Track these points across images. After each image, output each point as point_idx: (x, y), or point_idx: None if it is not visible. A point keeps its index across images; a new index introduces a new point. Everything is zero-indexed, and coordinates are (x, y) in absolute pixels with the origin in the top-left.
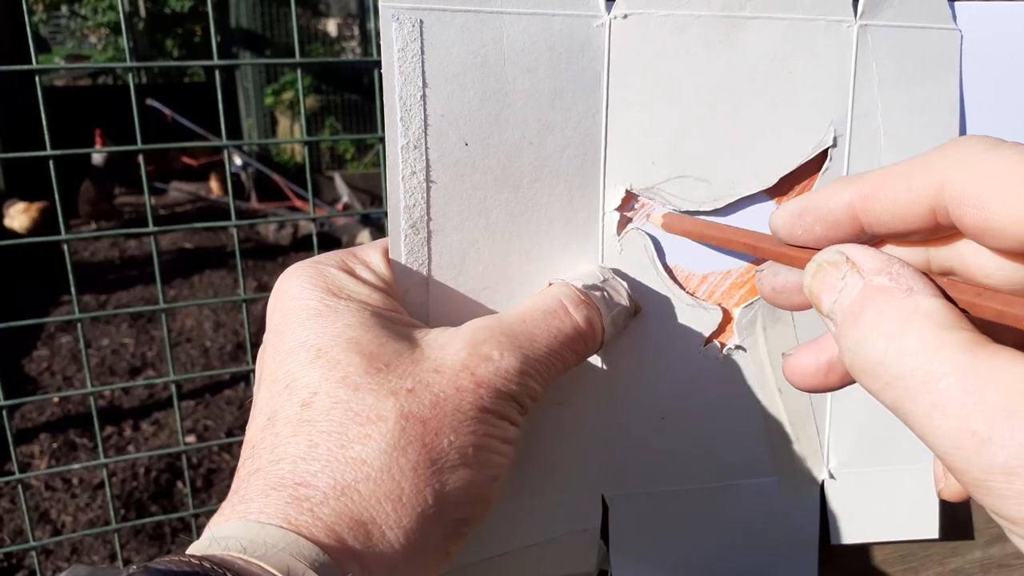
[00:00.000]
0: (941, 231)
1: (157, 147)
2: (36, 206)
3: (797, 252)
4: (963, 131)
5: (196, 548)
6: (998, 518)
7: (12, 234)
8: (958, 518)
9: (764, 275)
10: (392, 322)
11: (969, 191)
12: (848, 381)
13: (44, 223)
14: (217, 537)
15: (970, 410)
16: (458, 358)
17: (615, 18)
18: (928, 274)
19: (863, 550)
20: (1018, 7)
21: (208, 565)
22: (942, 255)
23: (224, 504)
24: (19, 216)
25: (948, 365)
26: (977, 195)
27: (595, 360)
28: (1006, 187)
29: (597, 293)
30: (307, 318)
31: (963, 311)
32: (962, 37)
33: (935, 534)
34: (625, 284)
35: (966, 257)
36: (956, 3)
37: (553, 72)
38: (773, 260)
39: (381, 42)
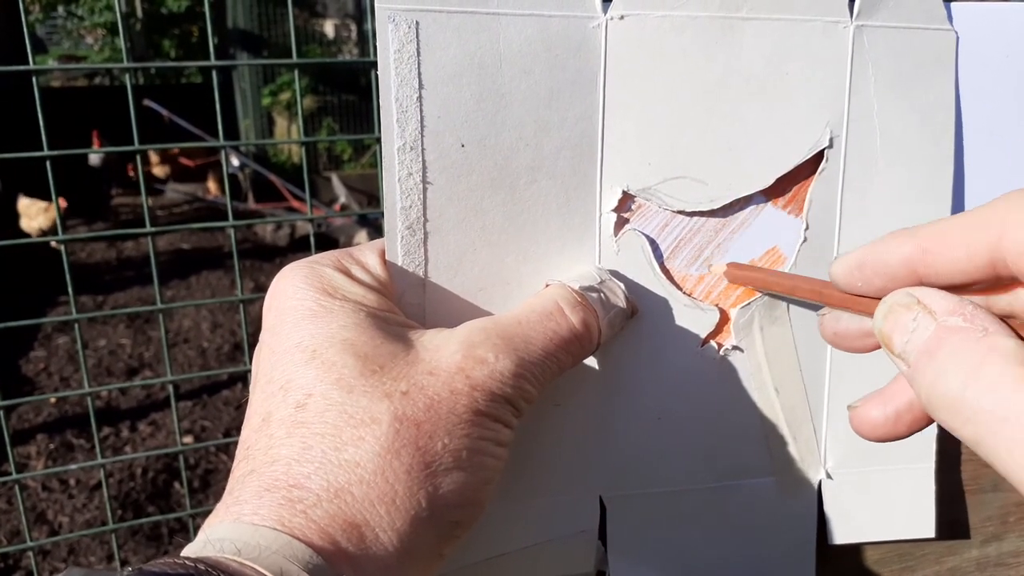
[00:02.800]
0: (1001, 281)
1: (155, 147)
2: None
3: (860, 302)
4: (959, 131)
5: (191, 550)
6: None
7: (27, 236)
8: (954, 517)
9: (827, 319)
10: (388, 323)
11: None
12: (917, 428)
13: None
14: (211, 539)
15: None
16: (453, 360)
17: (611, 19)
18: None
19: (860, 549)
20: (1013, 7)
21: (202, 567)
22: (1002, 302)
23: (219, 505)
24: (40, 216)
25: None
26: None
27: (592, 361)
28: None
29: (594, 295)
30: (302, 319)
31: None
32: (958, 38)
33: (932, 533)
34: (622, 285)
35: None
36: (951, 4)
37: (550, 73)
38: (839, 307)
39: (377, 44)
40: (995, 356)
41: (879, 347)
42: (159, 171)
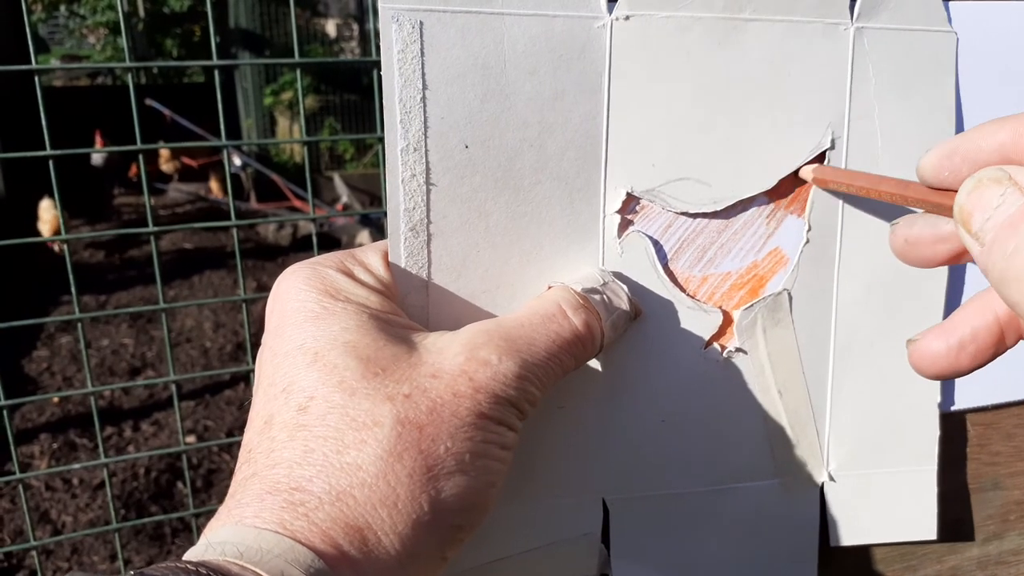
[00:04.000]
0: None
1: (156, 147)
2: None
3: (943, 198)
4: (959, 132)
5: (192, 554)
6: None
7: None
8: (956, 516)
9: (899, 227)
10: (390, 325)
11: None
12: (980, 362)
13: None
14: (213, 543)
15: None
16: (456, 363)
17: (616, 19)
18: None
19: (862, 550)
20: (1012, 6)
21: (204, 572)
22: None
23: (221, 508)
24: (51, 219)
25: None
26: None
27: (596, 363)
28: None
29: (596, 296)
30: (304, 320)
31: None
32: (958, 39)
33: (934, 535)
34: (625, 287)
35: None
36: (950, 3)
37: (554, 74)
38: (918, 207)
39: (381, 44)
40: None
41: (951, 257)
42: (168, 167)
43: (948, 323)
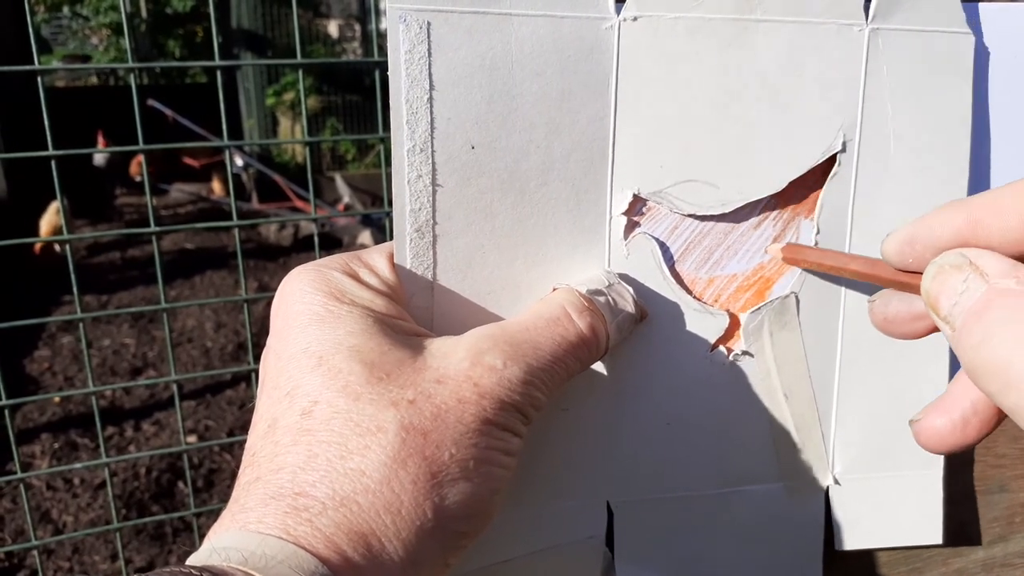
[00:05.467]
0: None
1: (158, 147)
2: None
3: (912, 278)
4: (974, 135)
5: (196, 558)
6: None
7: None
8: (961, 519)
9: (876, 305)
10: (395, 328)
11: None
12: (986, 431)
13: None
14: (217, 547)
15: None
16: (461, 368)
17: (625, 20)
18: None
19: (867, 553)
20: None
21: None
22: None
23: (224, 512)
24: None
25: None
26: None
27: (601, 366)
28: None
29: (601, 299)
30: (309, 323)
31: None
32: (981, 42)
33: (939, 540)
34: (631, 289)
35: None
36: (978, 4)
37: (561, 75)
38: (889, 287)
39: (388, 44)
40: None
41: (931, 331)
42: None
43: (947, 397)
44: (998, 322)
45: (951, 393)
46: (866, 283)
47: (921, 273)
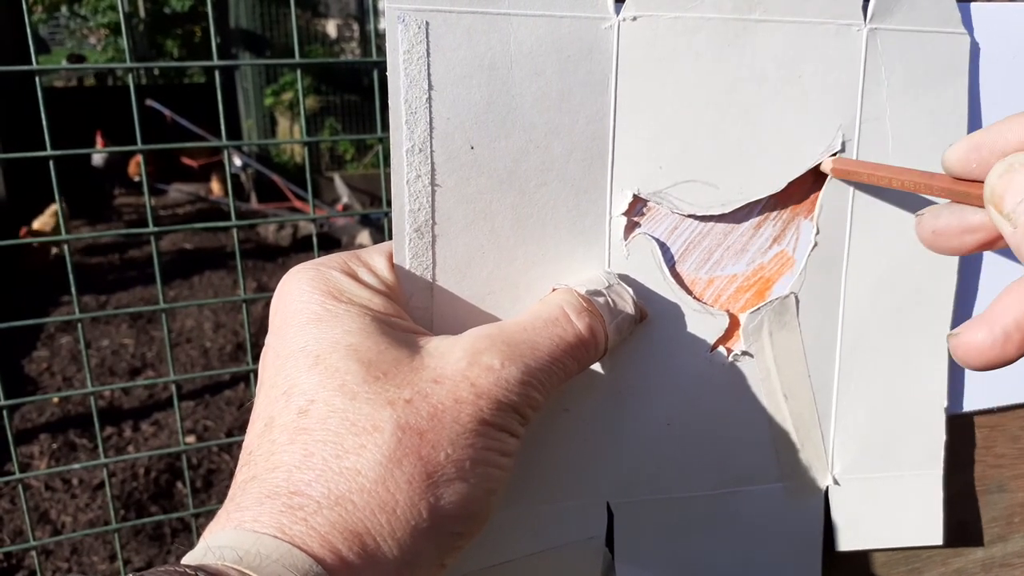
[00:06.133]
0: None
1: (156, 147)
2: None
3: (969, 187)
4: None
5: (191, 557)
6: None
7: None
8: (961, 519)
9: (925, 218)
10: (393, 328)
11: None
12: None
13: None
14: (212, 546)
15: None
16: (458, 368)
17: (624, 20)
18: None
19: (866, 553)
20: (1022, 7)
21: None
22: None
23: (220, 511)
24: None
25: None
26: None
27: (601, 366)
28: None
29: (601, 299)
30: (307, 322)
31: None
32: (974, 41)
33: (939, 540)
34: (630, 290)
35: None
36: (970, 4)
37: (561, 75)
38: (945, 196)
39: (386, 44)
40: None
41: (980, 246)
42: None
43: (989, 313)
44: None
45: (993, 309)
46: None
47: (981, 181)
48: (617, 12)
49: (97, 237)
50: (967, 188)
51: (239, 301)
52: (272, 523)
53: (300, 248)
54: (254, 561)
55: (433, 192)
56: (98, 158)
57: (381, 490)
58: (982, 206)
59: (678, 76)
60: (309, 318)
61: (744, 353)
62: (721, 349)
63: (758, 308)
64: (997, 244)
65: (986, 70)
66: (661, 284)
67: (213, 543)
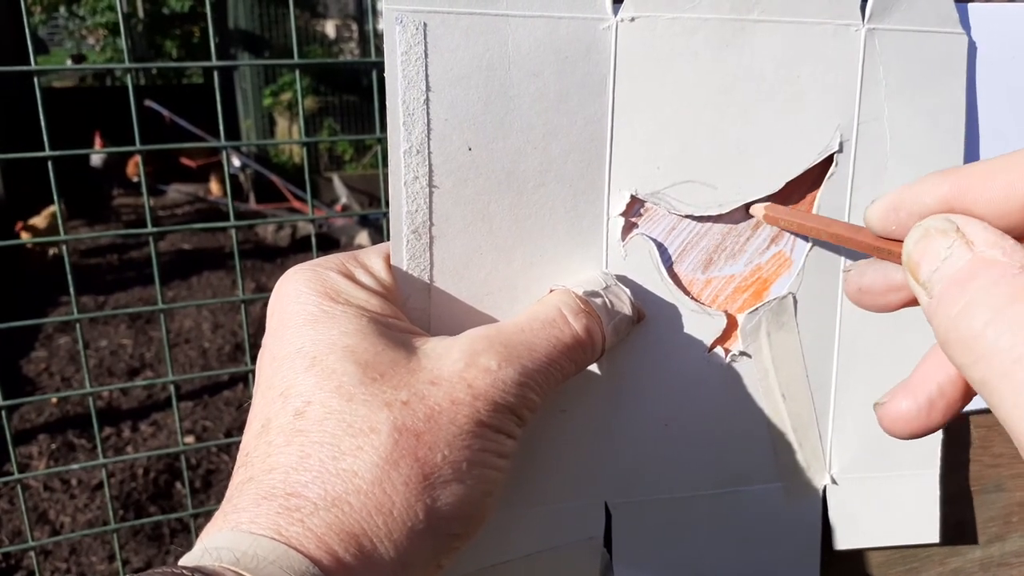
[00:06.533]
0: None
1: (155, 148)
2: None
3: (892, 245)
4: (969, 135)
5: (189, 559)
6: None
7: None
8: (958, 518)
9: (851, 275)
10: (390, 329)
11: None
12: (952, 414)
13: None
14: (209, 548)
15: None
16: (455, 369)
17: (622, 21)
18: None
19: (864, 553)
20: (1021, 8)
21: None
22: None
23: (217, 513)
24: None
25: None
26: None
27: (599, 367)
28: None
29: (598, 300)
30: (303, 324)
31: None
32: (971, 41)
33: (936, 539)
34: (627, 291)
35: None
36: (967, 5)
37: (559, 76)
38: (869, 252)
39: (384, 45)
40: None
41: (905, 305)
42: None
43: (912, 380)
44: (978, 293)
45: (916, 375)
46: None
47: (903, 242)
48: (615, 13)
49: (96, 238)
50: (890, 246)
51: (238, 301)
52: (269, 524)
53: (299, 248)
54: (251, 563)
55: (431, 193)
56: (97, 158)
57: (378, 492)
58: None
59: (676, 77)
60: (306, 319)
61: (742, 353)
62: (719, 349)
63: (756, 308)
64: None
65: (984, 70)
66: (659, 285)
67: (210, 544)
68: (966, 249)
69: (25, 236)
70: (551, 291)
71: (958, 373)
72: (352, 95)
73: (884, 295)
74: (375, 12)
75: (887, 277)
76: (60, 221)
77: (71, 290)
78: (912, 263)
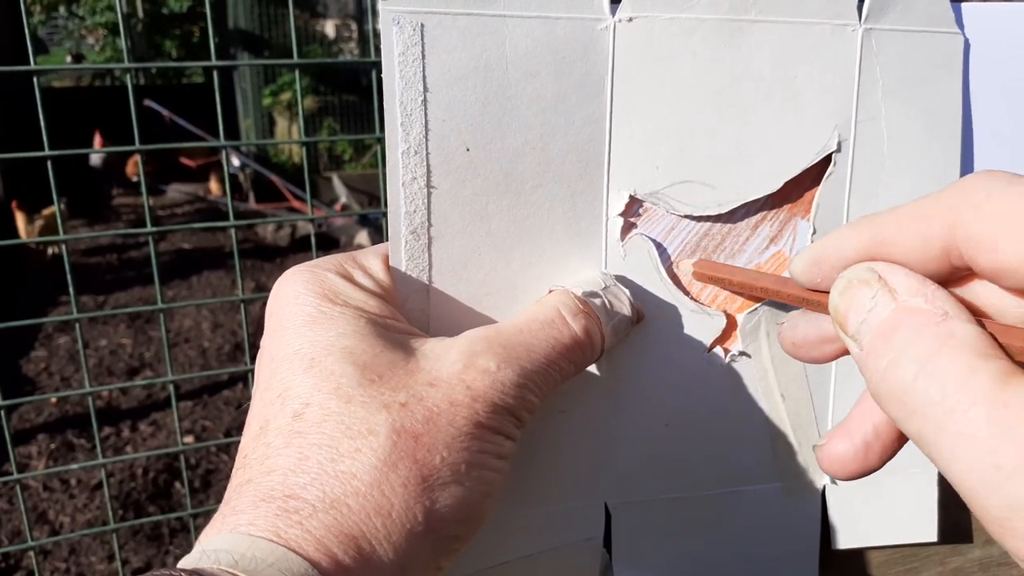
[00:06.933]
0: (957, 272)
1: (155, 148)
2: None
3: (821, 297)
4: (965, 134)
5: (187, 561)
6: (1021, 562)
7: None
8: (958, 518)
9: (785, 328)
10: (389, 330)
11: (981, 233)
12: (888, 456)
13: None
14: (208, 550)
15: (998, 441)
16: (454, 370)
17: (619, 21)
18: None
19: (863, 552)
20: (1019, 8)
21: None
22: (957, 294)
23: (216, 514)
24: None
25: (978, 394)
26: (989, 237)
27: (598, 368)
28: (1020, 228)
29: (597, 301)
30: (302, 325)
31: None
32: (966, 40)
33: (934, 538)
34: (627, 292)
35: (981, 297)
36: (961, 5)
37: (556, 76)
38: (797, 304)
39: (381, 46)
40: (953, 343)
41: (840, 354)
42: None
43: (849, 421)
44: (903, 344)
45: (852, 417)
46: None
47: (828, 293)
48: (613, 13)
49: (95, 237)
50: (818, 297)
51: (237, 301)
52: (267, 526)
53: (298, 248)
54: (249, 565)
55: (429, 194)
56: (96, 158)
57: (376, 494)
58: None
59: (674, 77)
60: (304, 320)
61: (741, 353)
62: (718, 349)
63: (755, 308)
64: None
65: (980, 69)
66: (658, 285)
67: (208, 547)
68: (890, 298)
69: (20, 217)
70: (550, 292)
71: None
72: (351, 95)
73: (819, 347)
74: (374, 12)
75: (819, 329)
76: (60, 221)
77: (71, 290)
78: (840, 316)
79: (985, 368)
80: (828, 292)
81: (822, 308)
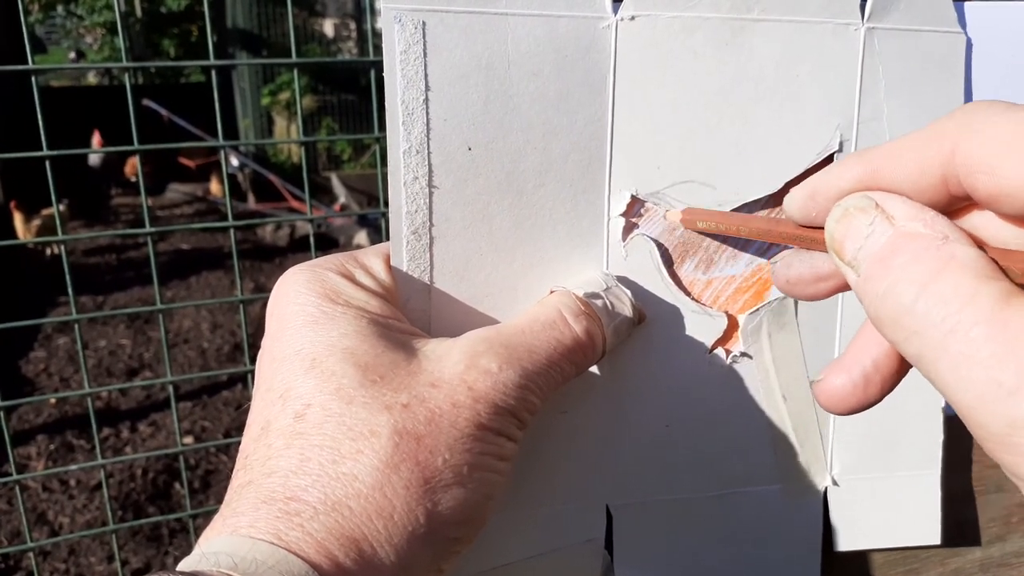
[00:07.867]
0: (955, 203)
1: (153, 148)
2: None
3: (814, 233)
4: None
5: (187, 563)
6: (1018, 480)
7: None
8: (959, 519)
9: (778, 267)
10: (390, 330)
11: (980, 156)
12: (888, 388)
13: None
14: (207, 552)
15: (999, 359)
16: (455, 372)
17: (622, 20)
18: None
19: (864, 553)
20: (1021, 7)
21: None
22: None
23: (217, 516)
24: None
25: (980, 314)
26: (989, 160)
27: (599, 368)
28: (1020, 150)
29: (599, 302)
30: (303, 325)
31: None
32: (968, 40)
33: (937, 540)
34: (628, 292)
35: (979, 229)
36: (964, 4)
37: (558, 75)
38: (791, 243)
39: (383, 44)
40: (953, 265)
41: (835, 290)
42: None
43: (847, 356)
44: (904, 268)
45: (851, 350)
46: None
47: (822, 228)
48: (615, 12)
49: (94, 238)
50: (812, 234)
51: (236, 302)
52: (268, 529)
53: (298, 248)
54: (250, 567)
55: (431, 194)
56: (95, 158)
57: (378, 495)
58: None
59: (676, 76)
60: (305, 320)
61: (743, 354)
62: (720, 350)
63: (757, 309)
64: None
65: (982, 69)
66: (659, 285)
67: (209, 549)
68: (887, 224)
69: (18, 217)
70: (551, 292)
71: (892, 347)
72: (350, 94)
73: (813, 284)
74: (374, 11)
75: (813, 267)
76: (58, 221)
77: (70, 290)
78: (836, 244)
79: (986, 289)
80: (823, 228)
81: (816, 245)
